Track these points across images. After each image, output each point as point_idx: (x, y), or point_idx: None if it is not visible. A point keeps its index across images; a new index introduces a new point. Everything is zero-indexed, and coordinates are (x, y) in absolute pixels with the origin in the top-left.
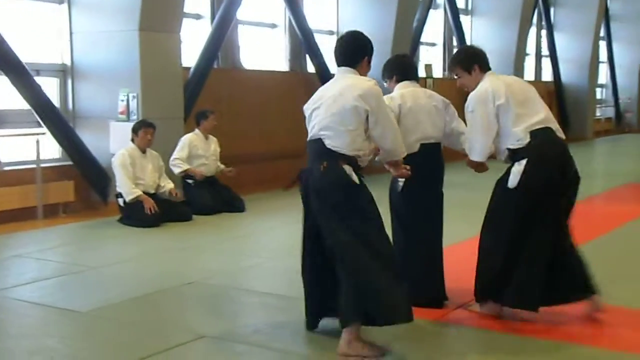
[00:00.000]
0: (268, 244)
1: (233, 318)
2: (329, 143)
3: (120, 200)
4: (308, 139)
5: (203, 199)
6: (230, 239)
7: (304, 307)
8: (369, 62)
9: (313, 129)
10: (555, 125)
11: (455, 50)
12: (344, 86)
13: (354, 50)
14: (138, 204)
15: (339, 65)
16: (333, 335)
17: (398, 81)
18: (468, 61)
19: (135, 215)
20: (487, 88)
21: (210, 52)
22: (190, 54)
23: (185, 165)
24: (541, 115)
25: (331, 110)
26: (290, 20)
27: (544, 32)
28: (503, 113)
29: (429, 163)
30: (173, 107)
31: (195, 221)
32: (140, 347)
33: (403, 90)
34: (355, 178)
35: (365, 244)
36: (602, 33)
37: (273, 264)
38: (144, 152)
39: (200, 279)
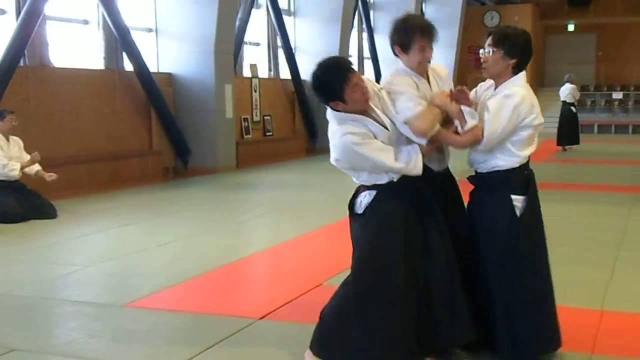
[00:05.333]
0: (82, 251)
1: (45, 329)
2: None
3: None
4: None
5: (7, 205)
6: (40, 247)
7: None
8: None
9: None
10: None
11: (280, 50)
12: None
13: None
14: None
15: None
16: (149, 342)
17: None
18: (516, 51)
19: None
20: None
21: (15, 49)
22: None
23: None
24: None
25: None
26: (104, 16)
27: (365, 35)
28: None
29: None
30: None
31: None
32: None
33: None
34: None
35: None
36: None
37: (87, 272)
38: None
39: (7, 290)
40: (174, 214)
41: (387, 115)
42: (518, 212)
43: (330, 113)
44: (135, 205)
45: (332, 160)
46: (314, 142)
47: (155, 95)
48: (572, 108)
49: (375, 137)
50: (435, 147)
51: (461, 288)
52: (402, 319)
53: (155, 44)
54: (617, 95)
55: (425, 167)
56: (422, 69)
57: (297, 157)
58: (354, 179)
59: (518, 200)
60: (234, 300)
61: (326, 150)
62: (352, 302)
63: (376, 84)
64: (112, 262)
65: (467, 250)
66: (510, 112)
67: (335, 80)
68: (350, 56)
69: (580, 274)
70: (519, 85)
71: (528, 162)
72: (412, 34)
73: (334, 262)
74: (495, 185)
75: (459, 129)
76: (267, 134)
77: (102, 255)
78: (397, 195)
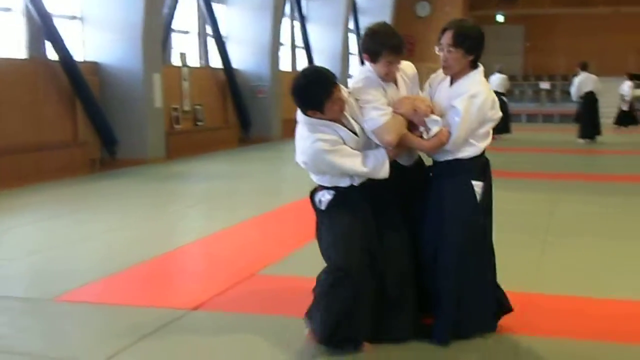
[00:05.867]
0: (7, 245)
1: None
2: None
3: None
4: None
5: None
6: None
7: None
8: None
9: None
10: None
11: (210, 38)
12: None
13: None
14: None
15: None
16: (80, 336)
17: None
18: (475, 48)
19: None
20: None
21: None
22: None
23: None
24: None
25: None
26: (27, 3)
27: (297, 24)
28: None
29: None
30: None
31: None
32: None
33: None
34: None
35: None
36: (351, 26)
37: (14, 266)
38: None
39: None
40: (102, 206)
41: (356, 121)
42: (478, 197)
43: (301, 117)
44: (62, 197)
45: (299, 161)
46: (246, 132)
47: (80, 85)
48: (503, 98)
49: (345, 143)
50: (402, 150)
51: (413, 286)
52: (357, 304)
53: (80, 31)
54: (545, 85)
55: (395, 162)
56: (389, 78)
57: (230, 147)
58: (315, 180)
59: (478, 186)
60: (166, 291)
61: (260, 140)
62: (324, 286)
63: (345, 89)
64: (39, 256)
65: (429, 235)
66: (477, 112)
67: (319, 93)
68: (282, 44)
69: (510, 258)
70: (480, 82)
71: (484, 150)
72: (380, 49)
73: (266, 252)
74: (456, 172)
75: (424, 134)
76: (198, 123)
77: (29, 249)
78: (356, 193)
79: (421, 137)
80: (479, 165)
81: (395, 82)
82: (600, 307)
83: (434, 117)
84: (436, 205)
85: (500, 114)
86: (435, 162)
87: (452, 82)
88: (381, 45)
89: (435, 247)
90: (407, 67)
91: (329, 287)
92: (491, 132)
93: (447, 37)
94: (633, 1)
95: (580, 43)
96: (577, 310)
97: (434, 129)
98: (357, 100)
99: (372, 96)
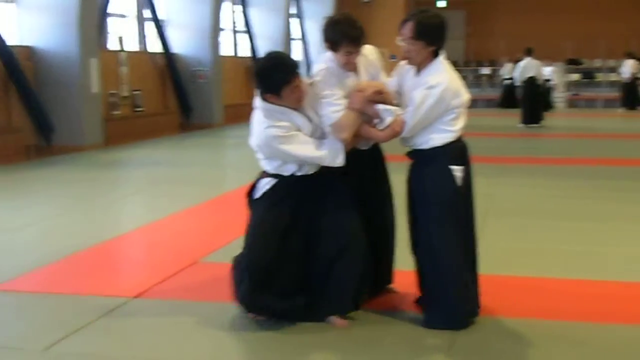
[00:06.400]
0: None
1: None
2: None
3: None
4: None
5: None
6: None
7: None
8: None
9: None
10: None
11: (149, 23)
12: None
13: None
14: None
15: None
16: (16, 326)
17: None
18: (436, 39)
19: None
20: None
21: None
22: None
23: None
24: None
25: None
26: None
27: (238, 8)
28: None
29: None
30: None
31: None
32: None
33: None
34: None
35: None
36: (293, 11)
37: None
38: None
39: None
40: (39, 194)
41: (313, 110)
42: (458, 182)
43: (259, 102)
44: None
45: (252, 145)
46: (187, 118)
47: (14, 70)
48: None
49: (300, 130)
50: (359, 141)
51: (344, 269)
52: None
53: (14, 15)
54: (485, 70)
55: (353, 148)
56: (348, 68)
57: (170, 133)
58: (263, 165)
59: (457, 170)
60: (108, 280)
61: (202, 126)
62: (239, 268)
63: (306, 79)
64: None
65: (411, 220)
66: (434, 103)
67: (278, 79)
68: (223, 30)
69: None
70: (441, 71)
71: (461, 134)
72: (340, 39)
73: (209, 239)
74: (435, 158)
75: (378, 125)
76: (137, 109)
77: None
78: (293, 185)
79: (377, 126)
80: (456, 150)
81: (356, 71)
82: (540, 285)
83: (387, 107)
84: (417, 193)
85: (466, 97)
86: (411, 150)
87: (417, 71)
88: (341, 35)
89: (417, 233)
90: (369, 52)
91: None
92: (465, 114)
93: (408, 29)
94: None
95: (520, 29)
96: (519, 287)
97: (387, 120)
98: (314, 89)
99: (328, 91)
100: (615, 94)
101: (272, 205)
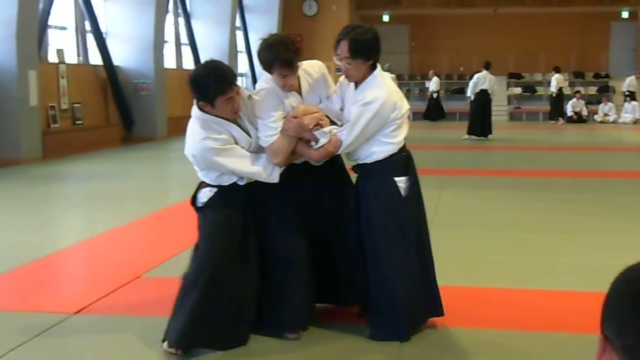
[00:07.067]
0: None
1: None
2: None
3: None
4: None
5: None
6: None
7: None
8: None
9: None
10: None
11: (89, 35)
12: None
13: None
14: None
15: None
16: None
17: None
18: (372, 53)
19: None
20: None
21: None
22: None
23: None
24: None
25: None
26: None
27: (182, 20)
28: None
29: None
30: None
31: None
32: None
33: None
34: None
35: None
36: (238, 23)
37: None
38: None
39: None
40: None
41: (251, 124)
42: (403, 193)
43: (195, 111)
44: None
45: (187, 155)
46: (129, 131)
47: None
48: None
49: (237, 143)
50: (295, 158)
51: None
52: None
53: None
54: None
55: (306, 162)
56: (286, 90)
57: (112, 146)
58: (200, 175)
59: (402, 182)
60: (46, 296)
61: (145, 139)
62: (189, 285)
63: (246, 92)
64: None
65: (359, 236)
66: (370, 118)
67: (212, 88)
68: (167, 42)
69: None
70: (379, 85)
71: (404, 144)
72: (272, 62)
73: (152, 254)
74: (378, 171)
75: (313, 145)
76: (77, 122)
77: None
78: (236, 193)
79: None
80: (400, 162)
81: (298, 90)
82: (485, 295)
83: (323, 130)
84: (362, 206)
85: (406, 108)
86: (356, 165)
87: (356, 87)
88: (273, 58)
89: (364, 247)
90: (311, 67)
91: (190, 285)
92: (407, 124)
93: (343, 49)
94: (510, 2)
95: (462, 43)
96: (464, 297)
97: (321, 141)
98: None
99: (264, 112)
100: None
101: (221, 207)
